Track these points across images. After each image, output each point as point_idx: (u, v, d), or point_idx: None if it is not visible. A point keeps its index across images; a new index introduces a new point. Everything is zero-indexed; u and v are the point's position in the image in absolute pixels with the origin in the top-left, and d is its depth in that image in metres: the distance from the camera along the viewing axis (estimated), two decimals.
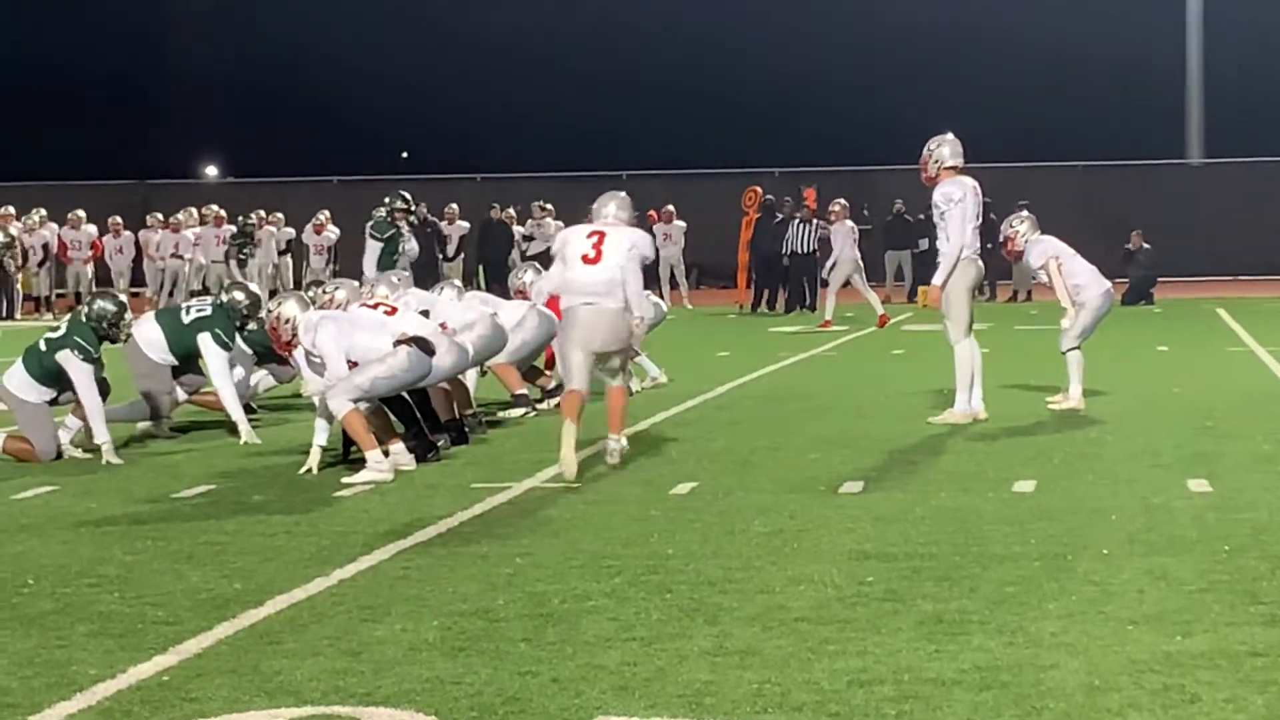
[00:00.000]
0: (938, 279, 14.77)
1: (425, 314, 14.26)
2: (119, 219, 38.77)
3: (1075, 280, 16.06)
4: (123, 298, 14.19)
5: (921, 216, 39.62)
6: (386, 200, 21.93)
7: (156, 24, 75.78)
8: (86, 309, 13.81)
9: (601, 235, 12.61)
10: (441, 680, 6.72)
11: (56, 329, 13.78)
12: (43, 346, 13.56)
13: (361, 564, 9.11)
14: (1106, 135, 60.20)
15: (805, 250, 35.75)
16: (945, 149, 14.89)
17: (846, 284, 31.53)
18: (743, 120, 73.09)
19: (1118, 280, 38.24)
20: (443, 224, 36.74)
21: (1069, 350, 15.88)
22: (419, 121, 76.05)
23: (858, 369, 21.28)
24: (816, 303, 35.66)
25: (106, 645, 7.41)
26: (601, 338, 12.48)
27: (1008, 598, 8.00)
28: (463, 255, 37.12)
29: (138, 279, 38.63)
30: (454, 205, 37.21)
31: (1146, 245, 36.92)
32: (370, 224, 23.84)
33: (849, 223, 32.78)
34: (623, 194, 13.15)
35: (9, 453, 13.59)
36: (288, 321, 12.80)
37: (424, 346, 12.75)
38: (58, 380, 13.53)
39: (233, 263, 36.21)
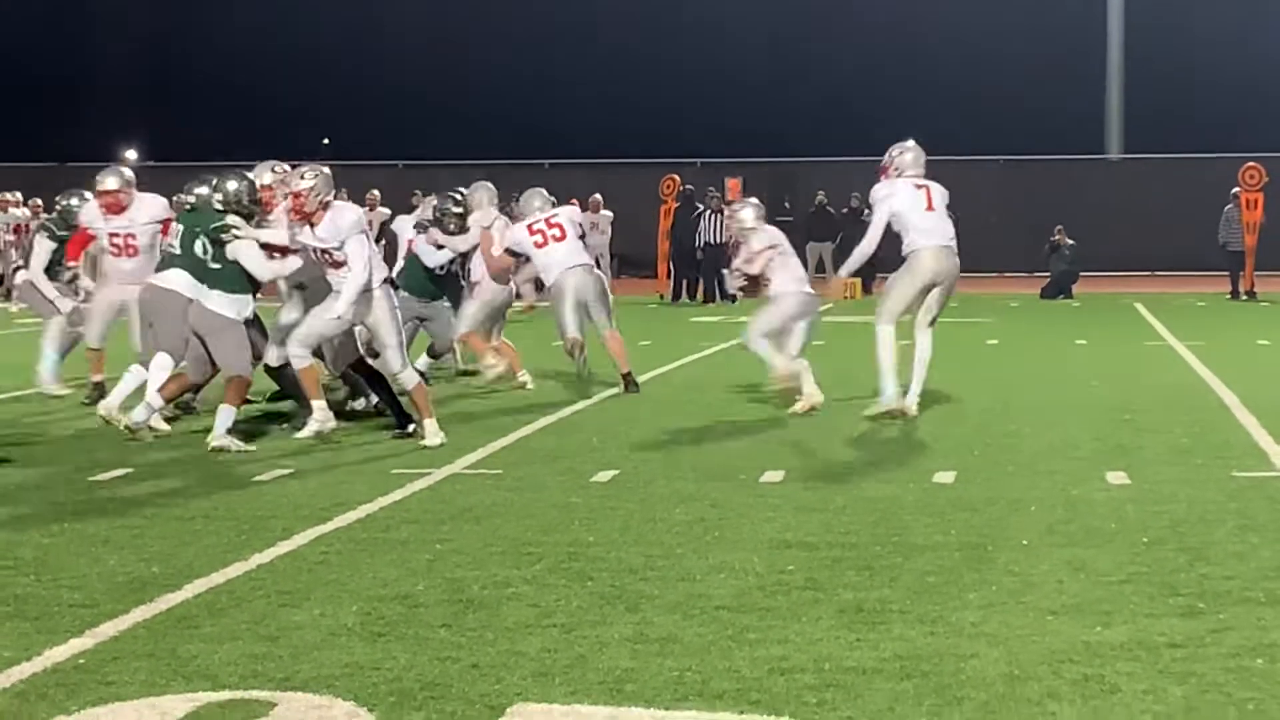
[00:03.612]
0: (843, 270, 14.84)
1: None
2: (39, 201, 38.42)
3: (780, 275, 16.07)
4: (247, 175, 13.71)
5: (845, 210, 39.85)
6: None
7: (76, 5, 75.21)
8: (214, 194, 13.38)
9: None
10: (360, 665, 6.68)
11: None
12: (202, 253, 13.26)
13: (280, 549, 9.05)
14: (1026, 130, 60.57)
15: (718, 241, 35.86)
16: (908, 156, 14.70)
17: None
18: (666, 110, 73.15)
19: (1039, 274, 38.70)
20: (363, 210, 36.59)
21: (752, 346, 15.61)
22: (341, 107, 75.78)
23: None
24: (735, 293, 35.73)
25: (22, 628, 7.34)
26: None
27: (928, 588, 8.01)
28: (384, 242, 36.95)
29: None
30: (375, 191, 37.06)
31: (1070, 240, 37.13)
32: None
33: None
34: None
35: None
36: (315, 192, 12.77)
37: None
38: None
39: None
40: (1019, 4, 69.50)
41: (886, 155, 14.79)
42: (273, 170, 13.99)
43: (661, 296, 36.63)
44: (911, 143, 14.86)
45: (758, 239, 15.73)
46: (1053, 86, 66.29)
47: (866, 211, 39.04)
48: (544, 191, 17.40)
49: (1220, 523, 9.65)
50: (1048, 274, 37.29)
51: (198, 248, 13.30)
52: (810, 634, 7.13)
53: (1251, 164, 36.55)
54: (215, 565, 8.61)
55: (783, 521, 9.74)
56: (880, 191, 14.54)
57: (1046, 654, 6.79)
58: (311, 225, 12.93)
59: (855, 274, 38.12)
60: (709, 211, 36.25)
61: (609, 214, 39.27)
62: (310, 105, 76.22)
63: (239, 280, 13.18)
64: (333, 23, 77.33)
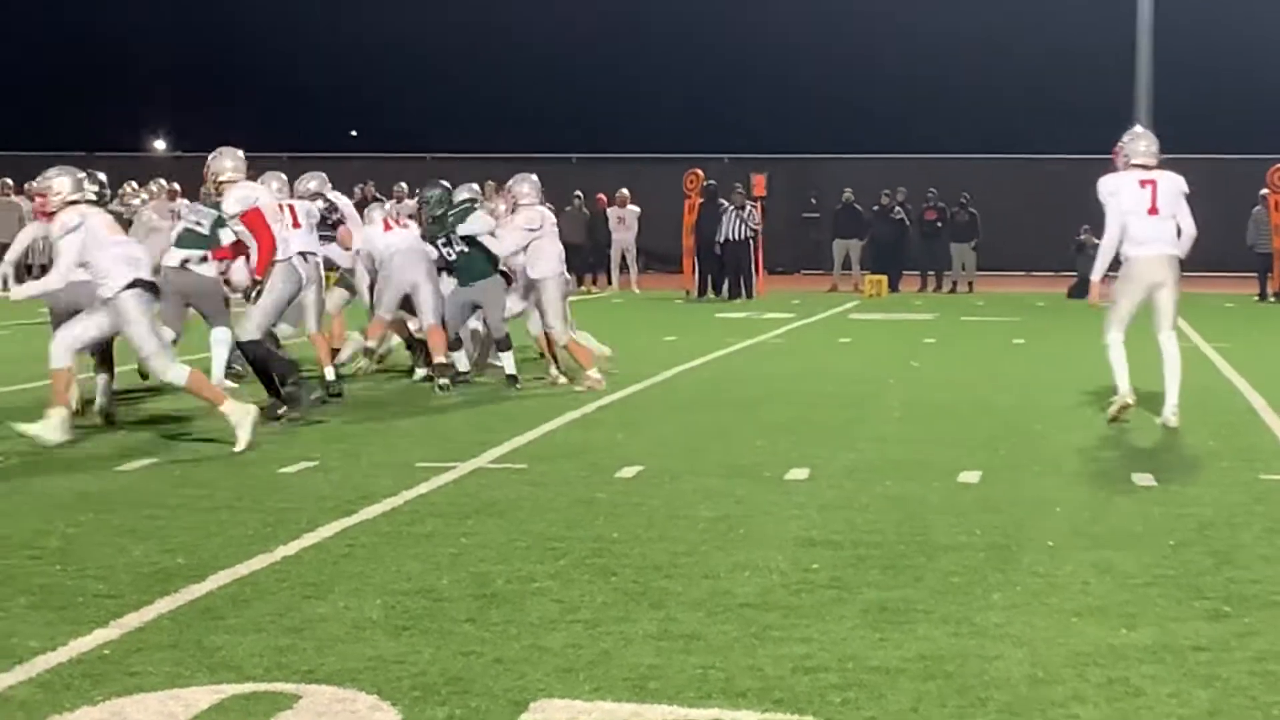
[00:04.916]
0: (1093, 274, 14.62)
1: None
2: None
3: (544, 263, 17.05)
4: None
5: (877, 207, 39.74)
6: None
7: None
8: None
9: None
10: (384, 659, 6.68)
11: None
12: None
13: (305, 541, 9.06)
14: (1054, 128, 60.42)
15: (738, 237, 35.85)
16: (1140, 144, 14.34)
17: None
18: (693, 106, 73.12)
19: (1066, 274, 38.59)
20: (390, 202, 36.63)
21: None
22: (369, 99, 75.84)
23: (804, 356, 21.29)
24: (754, 290, 35.77)
25: (47, 617, 7.35)
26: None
27: (952, 588, 8.00)
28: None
29: None
30: (402, 184, 37.10)
31: (1097, 240, 37.04)
32: None
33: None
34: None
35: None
36: (55, 192, 12.94)
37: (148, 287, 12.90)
38: None
39: None
40: (1046, 2, 69.35)
41: (1120, 140, 14.54)
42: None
43: (687, 292, 36.61)
44: (1141, 129, 14.69)
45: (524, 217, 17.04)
46: (1081, 85, 66.08)
47: (896, 209, 39.26)
48: (323, 175, 18.01)
49: (1247, 526, 9.63)
50: (1074, 274, 37.19)
51: None
52: (834, 633, 7.12)
53: None
54: (240, 557, 8.62)
55: (807, 520, 9.73)
56: (1105, 188, 14.23)
57: (1071, 656, 6.77)
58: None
59: (882, 271, 38.32)
60: (731, 208, 36.23)
61: (636, 209, 39.35)
62: (338, 97, 76.31)
63: None
64: (361, 14, 77.38)
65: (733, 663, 6.65)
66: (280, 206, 15.63)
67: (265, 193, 14.89)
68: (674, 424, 14.10)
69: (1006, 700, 6.19)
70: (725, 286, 36.20)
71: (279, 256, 14.54)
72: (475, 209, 17.02)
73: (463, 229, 16.78)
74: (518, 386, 16.60)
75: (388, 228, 17.53)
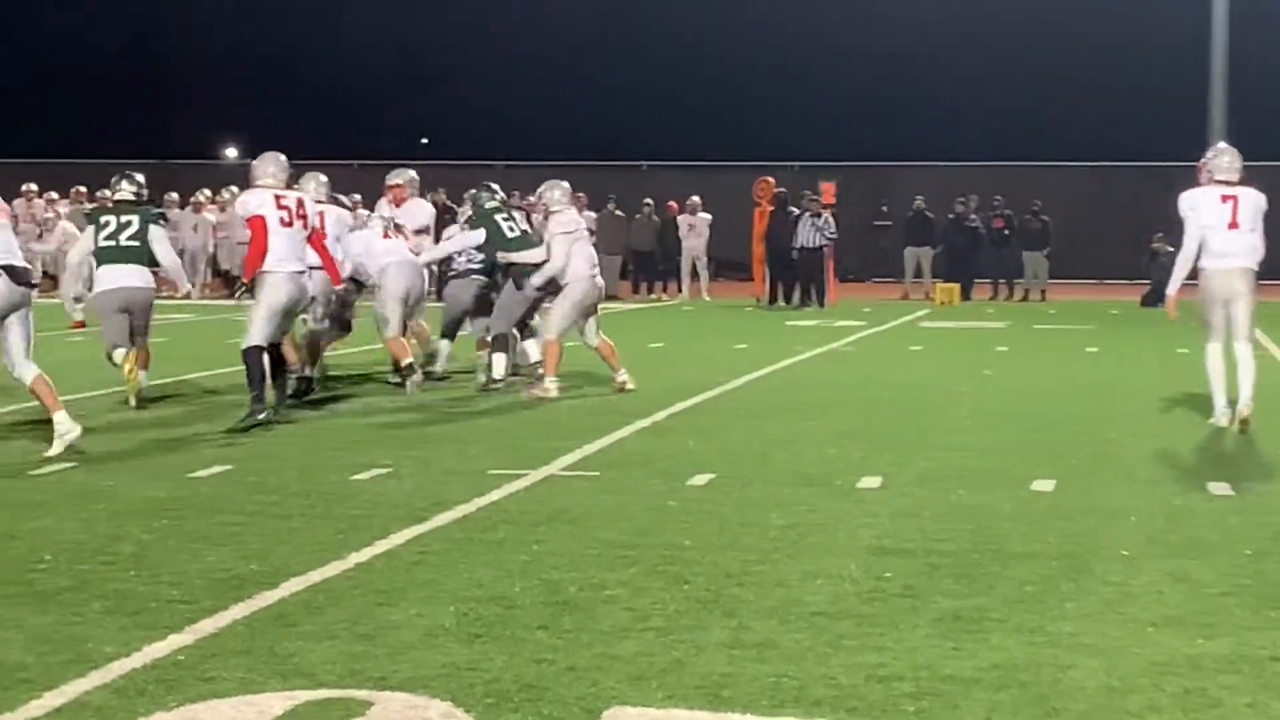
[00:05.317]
0: (1169, 288, 14.67)
1: None
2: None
3: (572, 265, 17.05)
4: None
5: (952, 215, 39.57)
6: None
7: (180, 3, 75.83)
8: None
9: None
10: (457, 666, 6.68)
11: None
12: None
13: (377, 548, 9.08)
14: (1127, 136, 60.10)
15: (814, 245, 35.73)
16: (1223, 160, 14.50)
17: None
18: (764, 112, 73.05)
19: (1140, 282, 38.37)
20: (461, 209, 36.76)
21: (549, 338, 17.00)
22: (440, 107, 76.05)
23: (876, 364, 21.22)
24: (825, 297, 35.68)
25: (122, 623, 7.39)
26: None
27: (1026, 597, 7.95)
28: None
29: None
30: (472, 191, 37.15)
31: (1170, 248, 36.83)
32: None
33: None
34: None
35: None
36: None
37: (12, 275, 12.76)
38: None
39: None
40: (1118, 9, 69.02)
41: (1204, 156, 14.70)
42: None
43: (758, 300, 36.58)
44: (1224, 144, 14.90)
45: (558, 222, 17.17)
46: (1154, 92, 65.73)
47: (971, 217, 39.11)
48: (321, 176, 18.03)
49: None
50: (1148, 281, 36.99)
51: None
52: (908, 642, 7.09)
53: None
54: (313, 564, 8.64)
55: (879, 528, 9.70)
56: (1185, 202, 14.43)
57: (1147, 666, 6.72)
58: None
59: (954, 279, 38.19)
60: (806, 215, 36.14)
61: (707, 216, 39.35)
62: (410, 104, 76.58)
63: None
64: (434, 22, 77.65)
65: (806, 671, 6.63)
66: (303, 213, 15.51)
67: (271, 204, 14.61)
68: (745, 431, 14.08)
69: (1082, 710, 6.15)
70: (796, 294, 36.14)
71: (271, 267, 14.50)
72: (475, 220, 18.01)
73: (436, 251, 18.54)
74: (495, 388, 17.19)
75: (386, 236, 17.98)
